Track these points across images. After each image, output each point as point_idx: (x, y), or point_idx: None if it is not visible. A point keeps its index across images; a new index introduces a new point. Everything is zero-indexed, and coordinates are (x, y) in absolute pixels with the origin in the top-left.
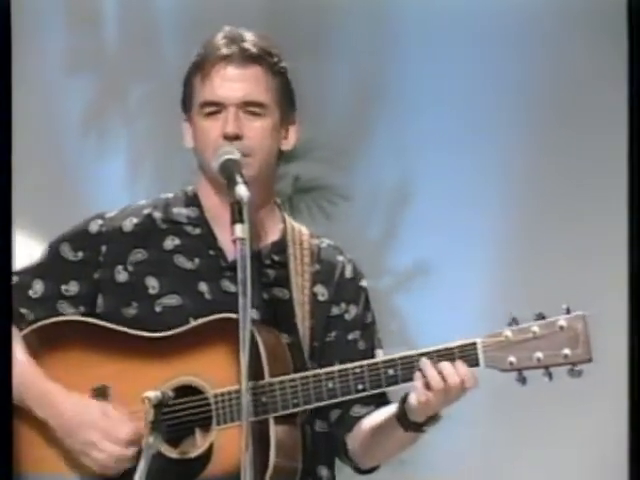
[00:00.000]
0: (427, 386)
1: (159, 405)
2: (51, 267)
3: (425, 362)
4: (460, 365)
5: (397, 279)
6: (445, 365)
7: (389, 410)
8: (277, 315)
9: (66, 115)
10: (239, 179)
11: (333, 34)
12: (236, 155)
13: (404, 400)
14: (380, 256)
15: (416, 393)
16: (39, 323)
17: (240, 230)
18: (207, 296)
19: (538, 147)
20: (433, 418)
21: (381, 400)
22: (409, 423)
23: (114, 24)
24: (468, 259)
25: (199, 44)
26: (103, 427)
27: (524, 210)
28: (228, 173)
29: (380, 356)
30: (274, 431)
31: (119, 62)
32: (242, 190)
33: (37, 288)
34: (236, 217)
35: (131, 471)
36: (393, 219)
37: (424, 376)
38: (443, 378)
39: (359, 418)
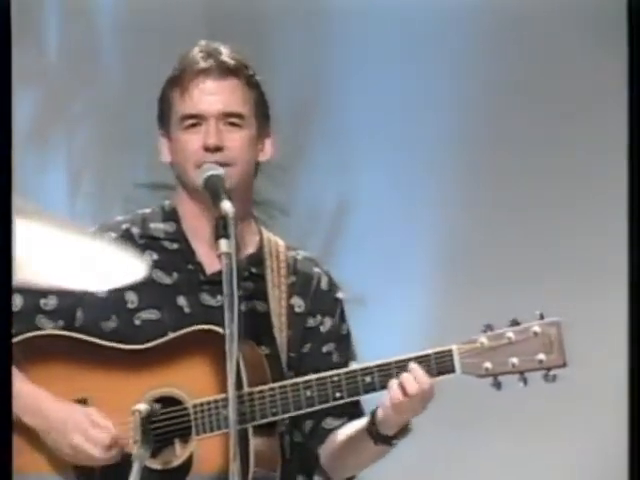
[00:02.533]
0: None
1: (148, 417)
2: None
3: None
4: (417, 369)
5: None
6: (405, 376)
7: (360, 423)
8: (255, 327)
9: None
10: (224, 195)
11: (272, 50)
12: (220, 171)
13: (374, 413)
14: None
15: (382, 404)
16: (19, 337)
17: (225, 245)
18: (186, 310)
19: (476, 164)
20: (403, 431)
21: (354, 412)
22: (379, 436)
23: (55, 37)
24: (408, 277)
25: (139, 57)
26: (86, 430)
27: (462, 228)
28: (213, 189)
29: (354, 367)
30: (253, 441)
31: (60, 75)
32: (227, 206)
33: (16, 302)
34: (221, 232)
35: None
36: (332, 235)
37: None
38: (402, 388)
39: (331, 430)
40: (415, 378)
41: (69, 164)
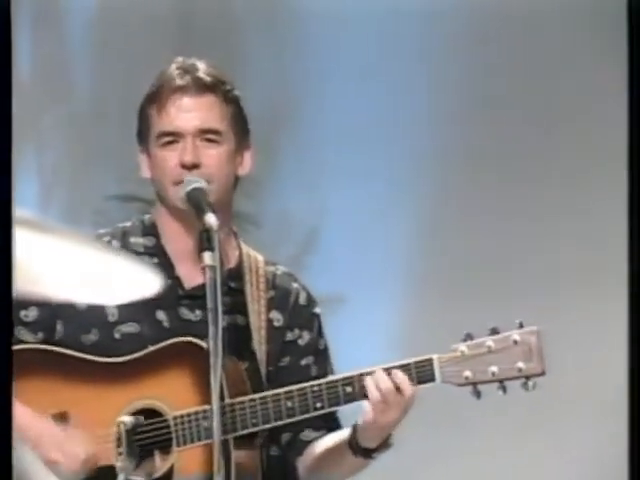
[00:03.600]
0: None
1: (133, 429)
2: None
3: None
4: (396, 373)
5: None
6: (380, 376)
7: (340, 435)
8: (235, 341)
9: None
10: (207, 208)
11: (243, 62)
12: (202, 184)
13: (355, 426)
14: None
15: (362, 413)
16: None
17: (210, 258)
18: (165, 324)
19: (452, 173)
20: (384, 445)
21: (333, 425)
22: (359, 448)
23: (26, 53)
24: (380, 288)
25: (109, 73)
26: (62, 445)
27: (435, 240)
28: (195, 202)
29: None
30: (234, 452)
31: (30, 91)
32: (211, 218)
33: None
34: (205, 245)
35: None
36: (303, 248)
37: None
38: (378, 387)
39: (309, 442)
40: (391, 378)
41: (39, 181)
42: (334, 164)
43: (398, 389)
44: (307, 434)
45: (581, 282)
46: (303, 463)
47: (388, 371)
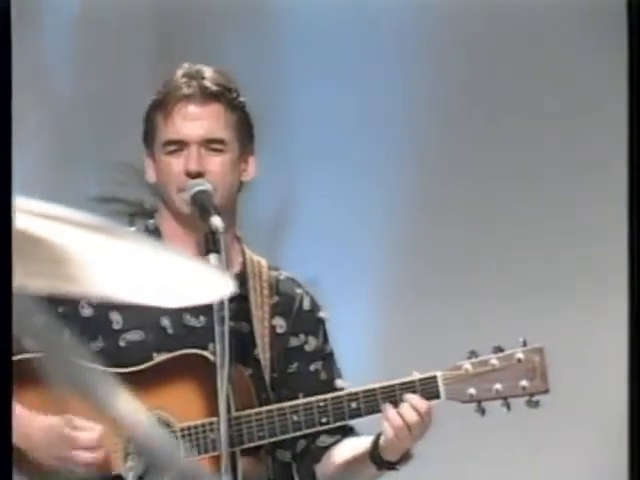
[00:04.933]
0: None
1: None
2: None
3: (386, 407)
4: (418, 400)
5: None
6: (404, 406)
7: (362, 444)
8: (239, 348)
9: None
10: (212, 210)
11: (214, 50)
12: (207, 186)
13: (377, 439)
14: None
15: (383, 434)
16: None
17: (215, 260)
18: (169, 331)
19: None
20: (405, 457)
21: (346, 429)
22: (382, 462)
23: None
24: (355, 284)
25: (89, 75)
26: (70, 438)
27: (409, 241)
28: (200, 204)
29: (339, 385)
30: (241, 463)
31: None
32: (217, 221)
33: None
34: (211, 247)
35: None
36: (276, 242)
37: (386, 418)
38: (401, 416)
39: (326, 448)
40: (413, 406)
41: (20, 179)
42: (307, 165)
43: (416, 411)
44: (323, 440)
45: (577, 291)
46: (322, 469)
47: (394, 390)
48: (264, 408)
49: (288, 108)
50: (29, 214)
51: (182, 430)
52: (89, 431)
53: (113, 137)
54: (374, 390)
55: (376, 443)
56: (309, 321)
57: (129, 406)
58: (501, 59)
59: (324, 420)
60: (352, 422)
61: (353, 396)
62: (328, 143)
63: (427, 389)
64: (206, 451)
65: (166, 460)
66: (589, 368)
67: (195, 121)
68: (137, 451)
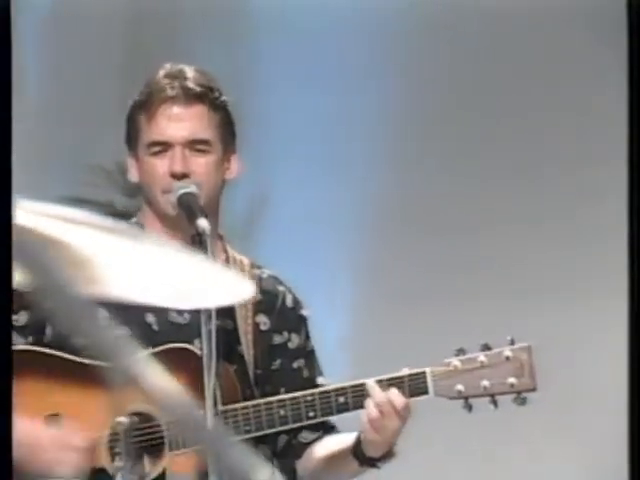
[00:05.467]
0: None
1: (129, 430)
2: None
3: (367, 400)
4: (397, 395)
5: None
6: (382, 398)
7: (344, 440)
8: (224, 344)
9: None
10: (198, 212)
11: (187, 51)
12: (192, 188)
13: (360, 435)
14: None
15: (361, 425)
16: None
17: None
18: (154, 327)
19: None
20: (388, 454)
21: (328, 426)
22: (365, 458)
23: None
24: (330, 283)
25: (62, 73)
26: (57, 442)
27: (399, 241)
28: (186, 206)
29: (321, 382)
30: None
31: None
32: (203, 223)
33: None
34: (198, 249)
35: None
36: (250, 241)
37: (366, 408)
38: (375, 403)
39: (308, 444)
40: (389, 398)
41: None
42: (282, 154)
43: (391, 403)
44: (305, 436)
45: (576, 290)
46: (303, 465)
47: (382, 386)
48: (251, 402)
49: (263, 108)
50: (46, 217)
51: (168, 423)
52: (76, 436)
53: (84, 139)
54: (362, 385)
55: (359, 439)
56: (292, 318)
57: (161, 378)
58: (501, 59)
59: (311, 414)
60: (334, 420)
61: (341, 391)
62: (304, 143)
63: (415, 385)
64: (192, 444)
65: (196, 429)
66: (589, 368)
67: (179, 122)
68: (170, 421)
